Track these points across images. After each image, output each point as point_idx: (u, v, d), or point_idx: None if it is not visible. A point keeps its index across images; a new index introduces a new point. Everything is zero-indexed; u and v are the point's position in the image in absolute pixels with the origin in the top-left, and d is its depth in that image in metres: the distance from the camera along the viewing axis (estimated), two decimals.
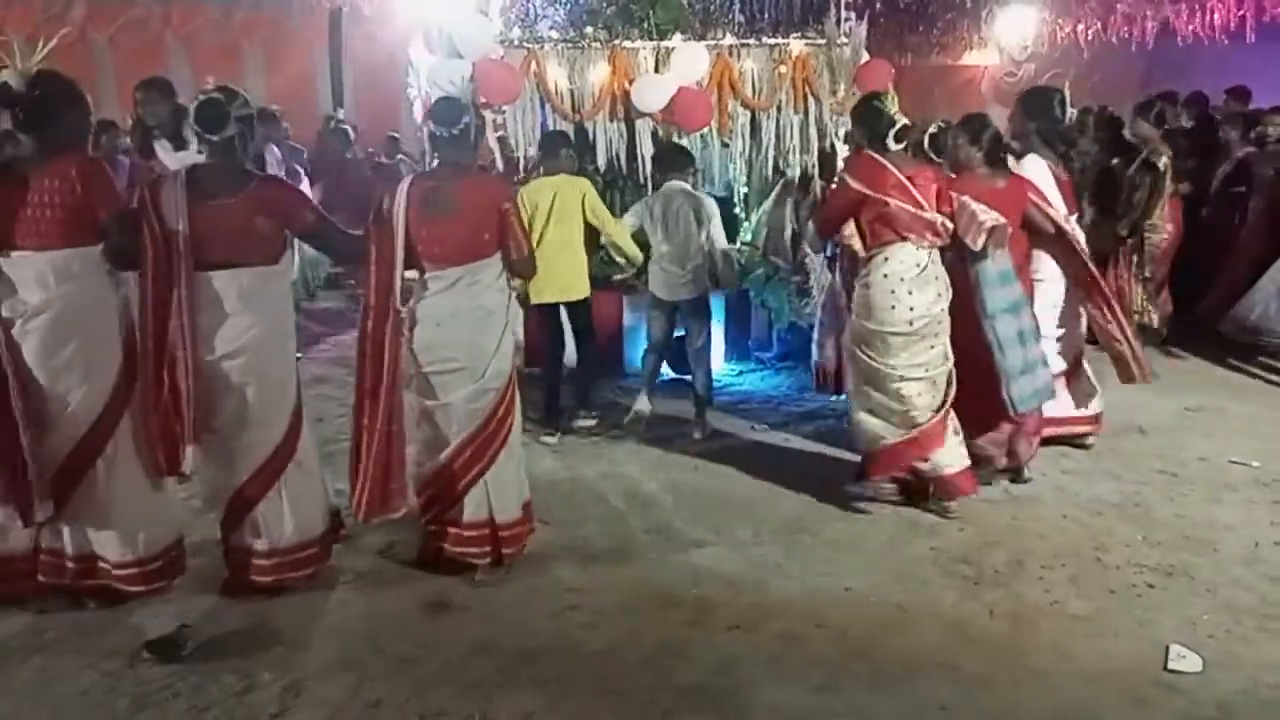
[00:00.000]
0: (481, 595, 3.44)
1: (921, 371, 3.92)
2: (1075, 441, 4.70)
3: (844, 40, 5.83)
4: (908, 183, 3.82)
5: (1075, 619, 3.26)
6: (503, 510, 3.52)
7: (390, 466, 3.41)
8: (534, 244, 4.92)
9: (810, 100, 5.82)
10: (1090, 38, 10.82)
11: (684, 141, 5.65)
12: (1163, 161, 5.91)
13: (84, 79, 3.43)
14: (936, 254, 3.93)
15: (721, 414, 5.35)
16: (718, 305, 5.82)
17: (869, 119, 3.97)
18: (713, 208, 5.10)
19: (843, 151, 6.16)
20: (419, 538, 3.65)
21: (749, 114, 5.77)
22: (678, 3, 5.98)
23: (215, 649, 3.12)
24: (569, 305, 5.10)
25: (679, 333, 5.32)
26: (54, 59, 3.20)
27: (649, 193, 5.39)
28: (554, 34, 5.80)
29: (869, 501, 4.15)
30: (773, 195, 6.48)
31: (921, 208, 3.83)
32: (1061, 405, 4.54)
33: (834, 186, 4.22)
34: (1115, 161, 6.10)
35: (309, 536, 3.41)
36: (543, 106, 5.54)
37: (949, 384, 3.97)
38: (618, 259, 5.35)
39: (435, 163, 3.63)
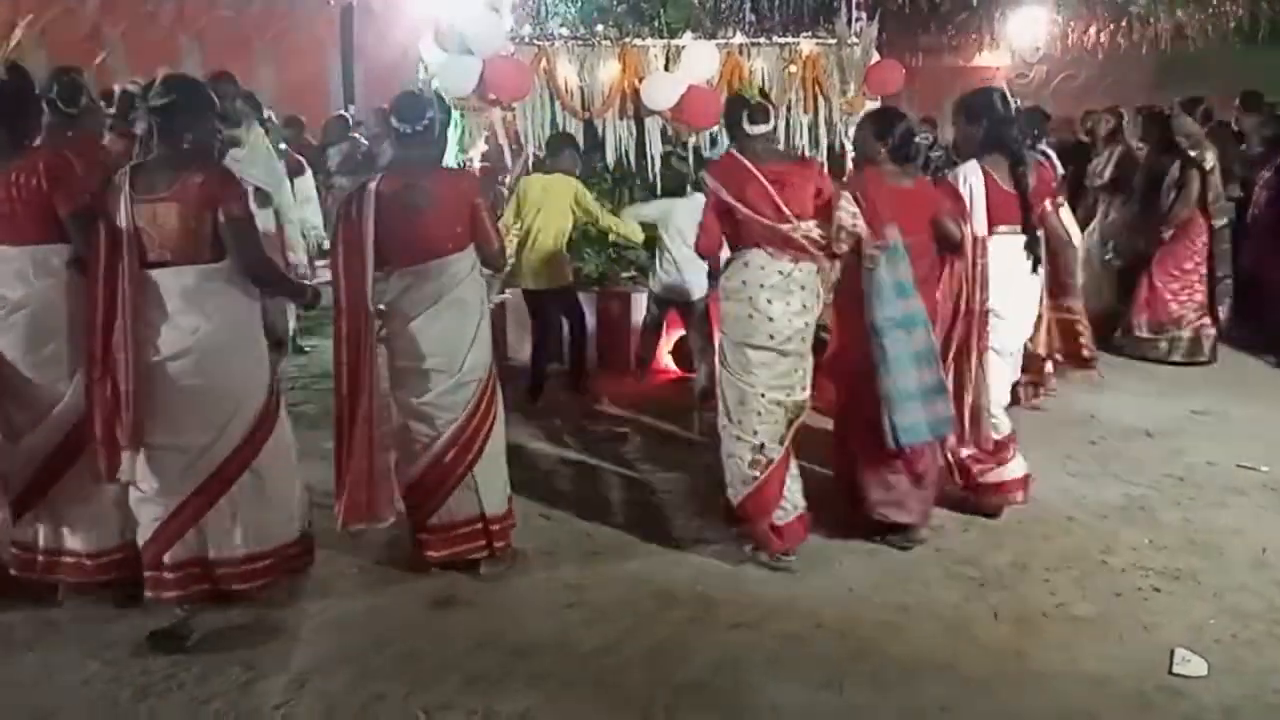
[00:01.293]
0: (483, 591, 3.44)
1: (782, 395, 3.54)
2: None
3: (854, 40, 5.83)
4: (770, 186, 3.46)
5: (1080, 622, 3.24)
6: (492, 505, 3.51)
7: (374, 472, 3.37)
8: (525, 233, 5.10)
9: (820, 100, 5.82)
10: (1102, 40, 10.78)
11: (693, 139, 5.66)
12: (1209, 159, 5.90)
13: (96, 73, 3.43)
14: (807, 263, 3.51)
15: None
16: None
17: (730, 110, 3.70)
18: None
19: (851, 151, 6.17)
20: (411, 545, 3.59)
21: None
22: (688, 1, 5.99)
23: (219, 641, 3.13)
24: (553, 293, 5.28)
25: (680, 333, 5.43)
26: (65, 53, 3.19)
27: (658, 189, 5.41)
28: (564, 31, 5.83)
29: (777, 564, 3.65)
30: None
31: (782, 216, 3.45)
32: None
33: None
34: (1164, 159, 6.13)
35: (260, 549, 3.19)
36: (553, 103, 5.55)
37: (797, 416, 3.60)
38: (624, 244, 5.49)
39: (386, 158, 3.60)
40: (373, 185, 3.35)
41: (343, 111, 10.03)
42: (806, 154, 5.64)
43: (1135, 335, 6.40)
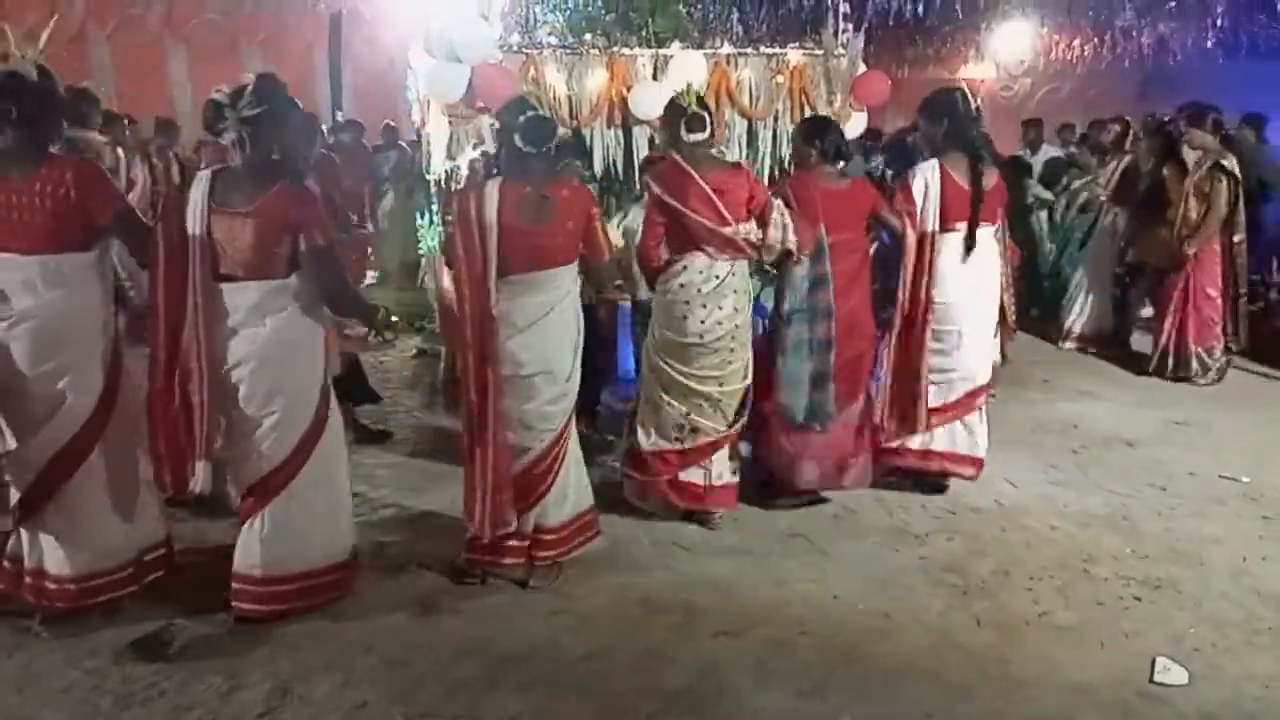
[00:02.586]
0: (468, 598, 3.43)
1: (715, 386, 3.84)
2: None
3: (841, 51, 5.86)
4: (711, 192, 3.67)
5: (1061, 630, 3.27)
6: (572, 509, 3.57)
7: (502, 478, 3.33)
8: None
9: (807, 110, 5.85)
10: (1086, 53, 10.89)
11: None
12: (1235, 168, 5.89)
13: (82, 75, 3.39)
14: (741, 265, 3.81)
15: None
16: None
17: (669, 117, 3.84)
18: None
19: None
20: (455, 552, 3.55)
21: (746, 123, 5.80)
22: (676, 11, 6.02)
23: (202, 648, 3.11)
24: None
25: None
26: (51, 55, 3.15)
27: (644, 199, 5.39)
28: (553, 40, 5.84)
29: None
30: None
31: (724, 220, 3.69)
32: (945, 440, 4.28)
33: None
34: (1166, 171, 6.07)
35: (279, 573, 3.18)
36: None
37: (742, 406, 3.91)
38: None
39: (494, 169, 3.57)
40: (493, 191, 3.26)
41: (390, 121, 10.04)
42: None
43: (1184, 354, 6.17)
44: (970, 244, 4.08)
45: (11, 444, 3.05)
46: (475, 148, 5.55)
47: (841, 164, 4.07)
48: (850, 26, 6.04)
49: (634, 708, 2.84)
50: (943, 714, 2.82)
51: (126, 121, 6.79)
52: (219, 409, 3.10)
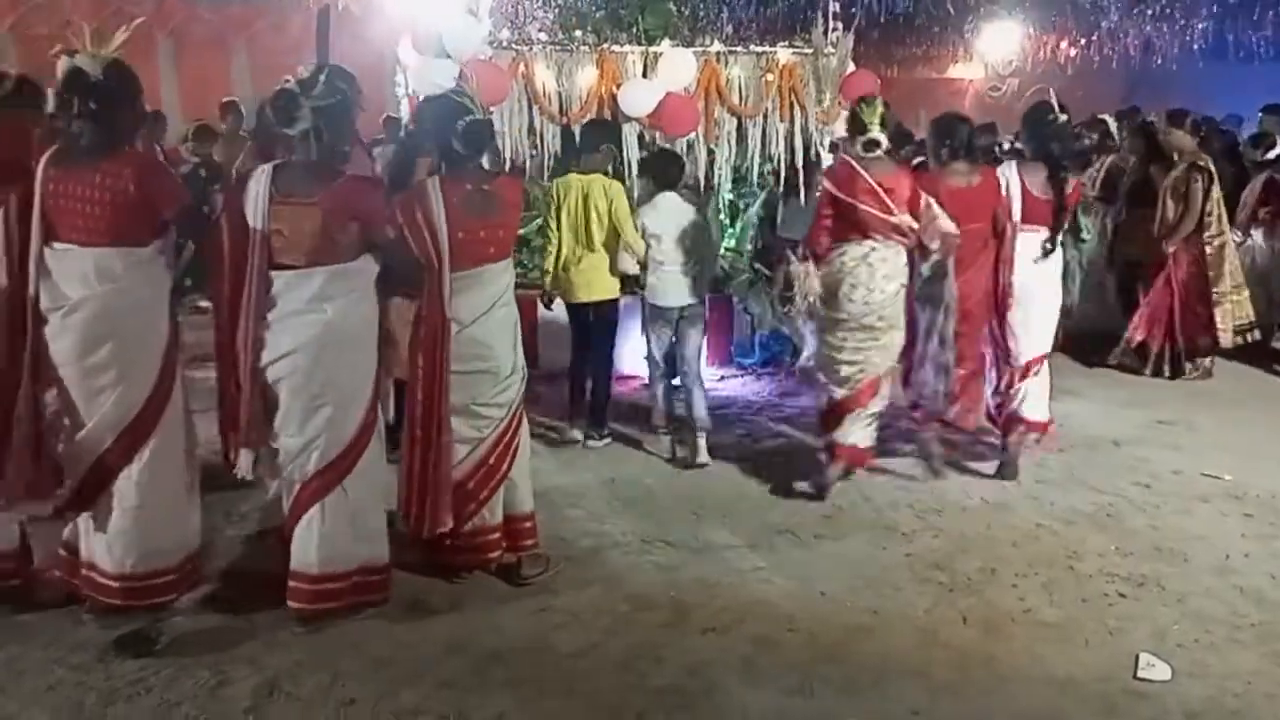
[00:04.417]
0: (455, 595, 3.43)
1: (862, 360, 4.23)
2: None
3: (831, 50, 5.88)
4: (879, 188, 4.09)
5: (1047, 626, 3.29)
6: (526, 503, 3.57)
7: (442, 480, 3.29)
8: (564, 240, 4.87)
9: (796, 109, 5.87)
10: (1074, 54, 10.94)
11: (668, 146, 5.66)
12: (1211, 167, 5.95)
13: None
14: (901, 249, 4.20)
15: None
16: None
17: (850, 129, 4.30)
18: (709, 216, 5.20)
19: (827, 160, 6.21)
20: (424, 553, 3.53)
21: (735, 121, 5.81)
22: (666, 9, 6.02)
23: (187, 645, 3.10)
24: (599, 305, 4.97)
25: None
26: (32, 50, 3.13)
27: (633, 195, 5.38)
28: (543, 36, 5.83)
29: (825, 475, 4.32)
30: (758, 202, 6.52)
31: (890, 212, 4.09)
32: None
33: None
34: (1153, 169, 6.15)
35: (336, 569, 3.16)
36: (530, 108, 5.55)
37: (885, 379, 4.28)
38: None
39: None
40: (434, 191, 3.24)
41: (391, 114, 9.93)
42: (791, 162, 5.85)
43: (1175, 352, 6.23)
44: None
45: (62, 432, 3.08)
46: None
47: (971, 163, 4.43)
48: (840, 25, 6.06)
49: (622, 705, 2.85)
50: (929, 711, 2.84)
51: None
52: (263, 398, 3.11)
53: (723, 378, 6.20)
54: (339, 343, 3.10)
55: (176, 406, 3.18)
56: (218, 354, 3.14)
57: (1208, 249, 6.14)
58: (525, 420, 3.56)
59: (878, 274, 4.15)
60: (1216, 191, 6.08)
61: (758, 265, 6.42)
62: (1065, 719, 2.81)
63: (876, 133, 4.14)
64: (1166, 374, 6.26)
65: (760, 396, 5.89)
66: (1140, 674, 3.00)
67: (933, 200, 4.18)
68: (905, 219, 4.15)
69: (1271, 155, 6.74)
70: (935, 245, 4.17)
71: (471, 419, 3.41)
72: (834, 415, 4.32)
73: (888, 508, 4.23)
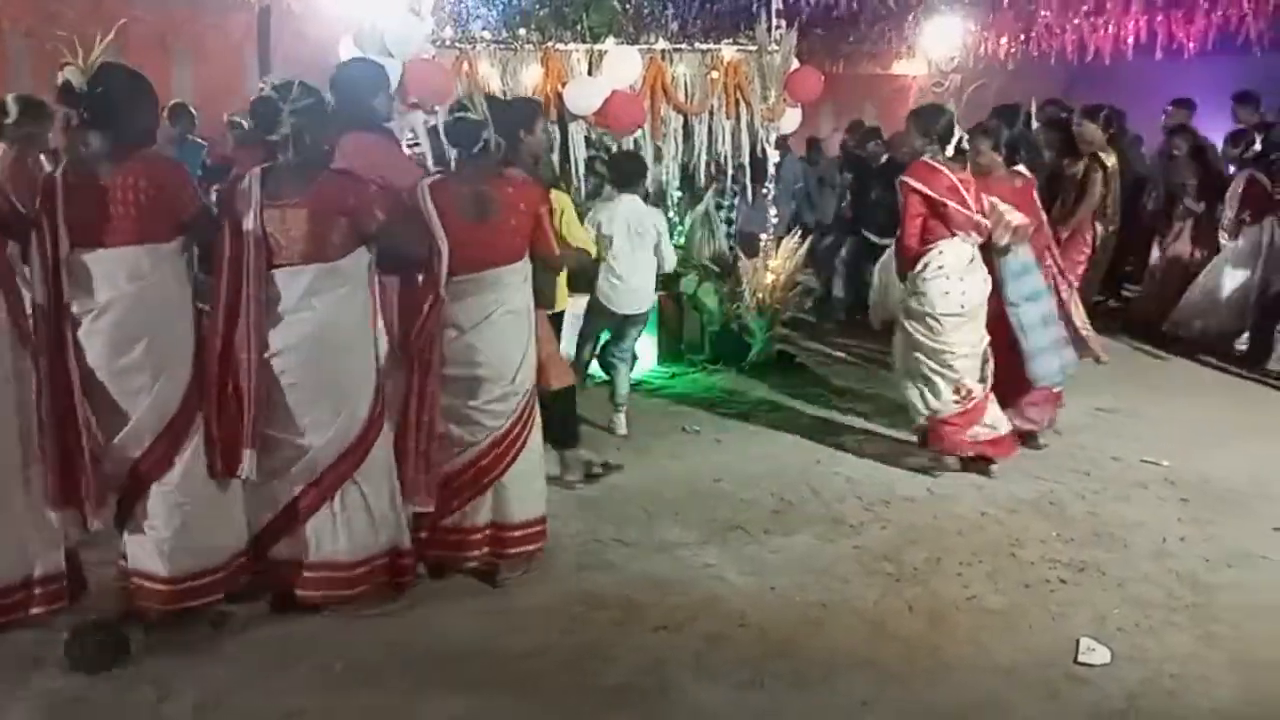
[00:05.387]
0: (407, 599, 3.38)
1: (968, 349, 4.36)
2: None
3: (775, 47, 5.92)
4: (960, 185, 4.27)
5: (991, 614, 3.35)
6: (522, 512, 3.53)
7: (429, 456, 3.32)
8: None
9: (742, 106, 5.90)
10: (1014, 50, 11.13)
11: (614, 145, 5.67)
12: (1111, 161, 6.08)
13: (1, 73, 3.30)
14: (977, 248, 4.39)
15: (653, 416, 5.39)
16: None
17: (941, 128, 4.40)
18: (664, 224, 5.16)
19: (773, 156, 6.27)
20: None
21: (682, 118, 5.83)
22: (611, 6, 6.00)
23: (130, 659, 3.01)
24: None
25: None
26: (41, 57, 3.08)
27: (580, 195, 5.38)
28: (486, 34, 5.78)
29: (937, 469, 4.55)
30: (706, 199, 6.55)
31: (970, 209, 4.28)
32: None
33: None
34: (1065, 161, 6.24)
35: (362, 555, 3.23)
36: None
37: (986, 359, 4.44)
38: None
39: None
40: (426, 193, 3.27)
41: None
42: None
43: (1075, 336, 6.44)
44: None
45: (100, 439, 3.04)
46: (411, 145, 5.49)
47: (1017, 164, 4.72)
48: (783, 23, 6.10)
49: (574, 705, 2.85)
50: (878, 701, 2.87)
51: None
52: (266, 397, 3.11)
53: (674, 375, 6.22)
54: (330, 339, 3.13)
55: None
56: (207, 357, 3.11)
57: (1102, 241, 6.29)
58: (533, 432, 3.52)
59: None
60: (1115, 185, 6.21)
61: (707, 263, 6.45)
62: (1009, 703, 2.87)
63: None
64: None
65: (710, 393, 5.91)
66: (1081, 658, 3.06)
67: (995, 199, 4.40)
68: (981, 216, 4.33)
69: (1250, 154, 6.62)
70: (1006, 239, 4.37)
71: (462, 423, 3.40)
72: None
73: (836, 501, 4.28)
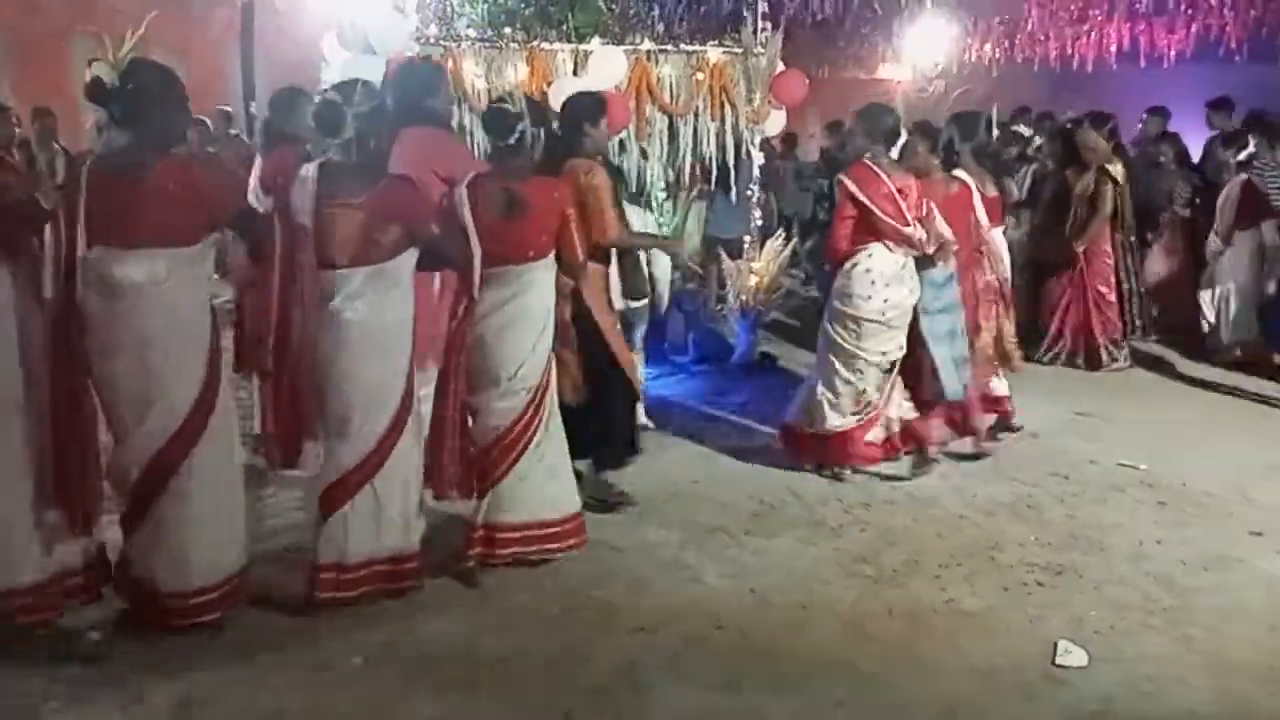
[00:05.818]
0: (384, 602, 3.36)
1: (878, 358, 4.32)
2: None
3: (760, 50, 5.92)
4: (898, 194, 4.20)
5: (968, 616, 3.36)
6: (543, 511, 3.57)
7: (463, 451, 3.41)
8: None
9: (727, 107, 5.90)
10: (998, 56, 11.20)
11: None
12: (1119, 172, 6.12)
13: None
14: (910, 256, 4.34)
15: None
16: None
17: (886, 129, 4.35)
18: (651, 225, 5.18)
19: (758, 159, 6.27)
20: None
21: (667, 119, 5.82)
22: (596, 6, 5.99)
23: (104, 659, 2.98)
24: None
25: None
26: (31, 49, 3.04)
27: None
28: (471, 33, 5.75)
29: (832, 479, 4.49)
30: (688, 199, 6.55)
31: (905, 220, 4.21)
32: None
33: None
34: (1069, 173, 6.29)
35: (363, 557, 3.24)
36: (460, 106, 5.49)
37: (892, 372, 4.42)
38: None
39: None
40: (463, 190, 3.33)
41: (224, 107, 9.87)
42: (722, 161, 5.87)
43: (1094, 349, 6.42)
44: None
45: (108, 439, 3.02)
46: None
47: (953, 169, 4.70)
48: (769, 25, 6.11)
49: (550, 707, 2.83)
50: (855, 702, 2.88)
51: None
52: (315, 392, 3.16)
53: (656, 376, 6.21)
54: (368, 341, 3.14)
55: (223, 410, 3.10)
56: (269, 353, 3.17)
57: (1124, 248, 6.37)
58: (542, 438, 3.51)
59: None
60: (1123, 195, 6.31)
61: (689, 263, 6.44)
62: (986, 705, 2.87)
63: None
64: (1084, 367, 6.46)
65: (693, 395, 5.91)
66: (1058, 661, 3.07)
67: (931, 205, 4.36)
68: (918, 230, 4.28)
69: (1243, 157, 6.57)
70: (933, 250, 4.33)
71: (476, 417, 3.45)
72: None
73: (817, 503, 4.28)
